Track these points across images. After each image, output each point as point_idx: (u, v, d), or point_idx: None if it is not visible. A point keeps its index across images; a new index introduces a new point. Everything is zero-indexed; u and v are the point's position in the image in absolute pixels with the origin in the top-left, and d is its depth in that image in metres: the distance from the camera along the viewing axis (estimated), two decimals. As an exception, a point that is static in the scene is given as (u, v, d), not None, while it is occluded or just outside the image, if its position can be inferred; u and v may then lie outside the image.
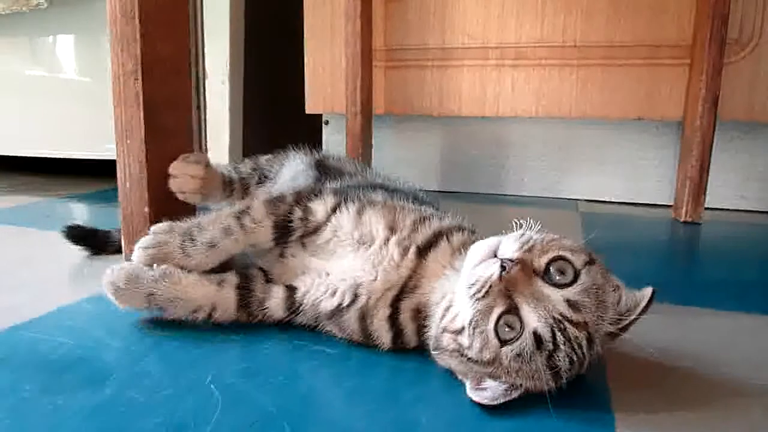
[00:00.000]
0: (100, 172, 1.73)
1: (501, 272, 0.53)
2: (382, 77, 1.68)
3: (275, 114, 2.11)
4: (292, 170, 0.92)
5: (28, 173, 1.93)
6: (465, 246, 0.64)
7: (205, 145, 1.73)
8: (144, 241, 0.69)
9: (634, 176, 1.62)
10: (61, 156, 1.77)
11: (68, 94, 1.74)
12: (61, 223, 1.02)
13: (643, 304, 0.55)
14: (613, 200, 1.64)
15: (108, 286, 0.68)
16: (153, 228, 0.70)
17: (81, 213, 1.45)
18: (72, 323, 0.72)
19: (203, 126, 1.73)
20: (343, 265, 0.67)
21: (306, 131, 1.87)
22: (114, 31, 0.72)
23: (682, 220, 1.40)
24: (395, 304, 0.65)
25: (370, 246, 0.66)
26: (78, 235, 0.99)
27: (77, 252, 1.02)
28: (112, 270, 0.68)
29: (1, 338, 0.67)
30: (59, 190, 1.67)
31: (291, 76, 1.85)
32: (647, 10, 1.44)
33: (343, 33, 1.58)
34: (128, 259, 0.72)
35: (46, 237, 1.15)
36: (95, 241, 0.99)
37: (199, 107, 1.72)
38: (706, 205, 1.43)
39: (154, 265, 0.68)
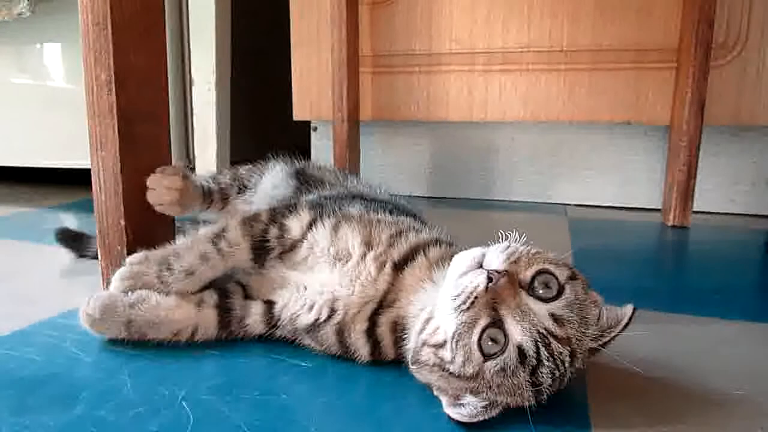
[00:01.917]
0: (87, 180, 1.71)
1: (488, 283, 0.52)
2: (369, 83, 1.67)
3: (264, 121, 2.10)
4: (272, 179, 0.91)
5: (14, 183, 1.91)
6: (443, 259, 0.63)
7: (193, 153, 1.72)
8: (120, 273, 0.68)
9: (624, 180, 1.61)
10: (49, 165, 1.76)
11: (55, 102, 1.72)
12: (43, 235, 1.02)
13: (625, 321, 0.55)
14: (602, 205, 1.63)
15: (84, 318, 0.67)
16: (128, 259, 0.69)
17: (65, 222, 1.43)
18: (46, 339, 0.71)
19: (190, 134, 1.72)
20: (321, 279, 0.66)
21: (295, 138, 1.86)
22: (86, 41, 0.71)
23: (670, 224, 1.40)
24: (373, 318, 0.64)
25: (347, 262, 0.65)
26: (66, 237, 1.02)
27: (58, 264, 1.01)
28: (87, 300, 0.67)
29: (-28, 355, 0.66)
30: (45, 199, 1.66)
31: (280, 82, 1.84)
32: (633, 13, 1.43)
33: (329, 39, 1.57)
34: (106, 277, 0.71)
35: (30, 249, 1.14)
36: (80, 244, 1.02)
37: (185, 115, 1.71)
38: (695, 209, 1.43)
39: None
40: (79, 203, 1.61)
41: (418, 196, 1.77)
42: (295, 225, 0.68)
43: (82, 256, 1.01)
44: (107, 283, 0.74)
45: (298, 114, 1.75)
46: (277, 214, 0.70)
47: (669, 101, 1.44)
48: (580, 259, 1.09)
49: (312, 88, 1.70)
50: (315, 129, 1.84)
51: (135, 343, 0.68)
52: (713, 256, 1.20)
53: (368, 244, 0.65)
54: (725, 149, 1.52)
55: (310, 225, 0.68)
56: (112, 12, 0.70)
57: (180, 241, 0.70)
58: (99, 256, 0.79)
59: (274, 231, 0.69)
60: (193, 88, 1.66)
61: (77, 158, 1.68)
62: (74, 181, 1.83)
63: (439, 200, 1.73)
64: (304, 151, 1.82)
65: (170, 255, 0.68)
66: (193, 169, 1.70)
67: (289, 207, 0.70)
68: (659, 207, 1.53)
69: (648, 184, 1.59)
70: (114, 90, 0.71)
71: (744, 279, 1.05)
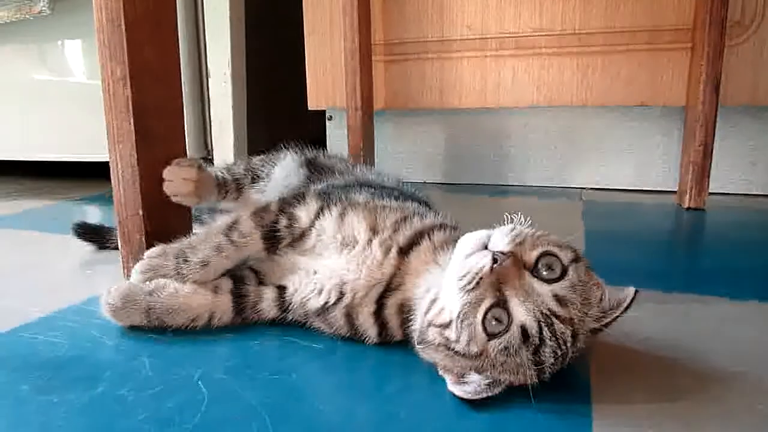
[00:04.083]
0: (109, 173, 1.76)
1: (493, 264, 0.53)
2: (382, 71, 1.68)
3: (280, 111, 2.13)
4: (284, 169, 0.94)
5: (39, 177, 1.97)
6: (447, 243, 0.65)
7: (210, 144, 1.75)
8: (140, 266, 0.71)
9: (639, 163, 1.60)
10: (72, 159, 1.81)
11: (77, 98, 1.77)
12: (67, 226, 1.07)
13: (626, 303, 0.56)
14: (618, 188, 1.63)
15: (105, 308, 0.70)
16: (147, 252, 0.72)
17: (89, 214, 1.48)
18: (71, 324, 0.74)
19: (208, 125, 1.75)
20: (330, 264, 0.68)
21: (312, 127, 1.88)
22: (101, 38, 0.74)
23: (685, 206, 1.39)
24: (380, 301, 0.66)
25: (353, 247, 0.67)
26: (85, 231, 1.07)
27: (81, 254, 1.05)
28: (108, 291, 0.70)
29: (2, 339, 0.70)
30: (68, 193, 1.71)
31: (297, 73, 1.86)
32: (647, -6, 1.42)
33: (341, 28, 1.59)
34: (127, 265, 0.74)
35: (54, 240, 1.19)
36: (100, 237, 1.06)
37: (203, 107, 1.74)
38: (712, 191, 1.42)
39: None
40: (102, 196, 1.66)
41: (433, 183, 1.78)
42: (303, 214, 0.71)
43: (102, 247, 1.05)
44: (128, 270, 0.78)
45: (313, 104, 1.77)
46: (286, 204, 0.72)
47: (684, 82, 1.43)
48: (593, 242, 1.09)
49: (326, 78, 1.72)
50: (330, 118, 1.86)
51: (154, 329, 0.71)
52: (728, 238, 1.19)
53: (374, 230, 0.66)
54: (742, 130, 1.50)
55: (318, 213, 0.70)
56: (125, 9, 0.72)
57: (195, 233, 0.73)
58: (119, 245, 0.82)
59: (283, 221, 0.71)
60: (210, 80, 1.69)
61: (99, 152, 1.73)
62: (97, 174, 1.88)
63: (454, 187, 1.74)
64: (322, 141, 1.84)
65: (186, 248, 0.71)
66: (211, 161, 1.74)
67: (297, 197, 0.72)
68: (675, 189, 1.52)
69: (664, 166, 1.58)
70: (129, 85, 0.74)
71: (759, 260, 1.04)
